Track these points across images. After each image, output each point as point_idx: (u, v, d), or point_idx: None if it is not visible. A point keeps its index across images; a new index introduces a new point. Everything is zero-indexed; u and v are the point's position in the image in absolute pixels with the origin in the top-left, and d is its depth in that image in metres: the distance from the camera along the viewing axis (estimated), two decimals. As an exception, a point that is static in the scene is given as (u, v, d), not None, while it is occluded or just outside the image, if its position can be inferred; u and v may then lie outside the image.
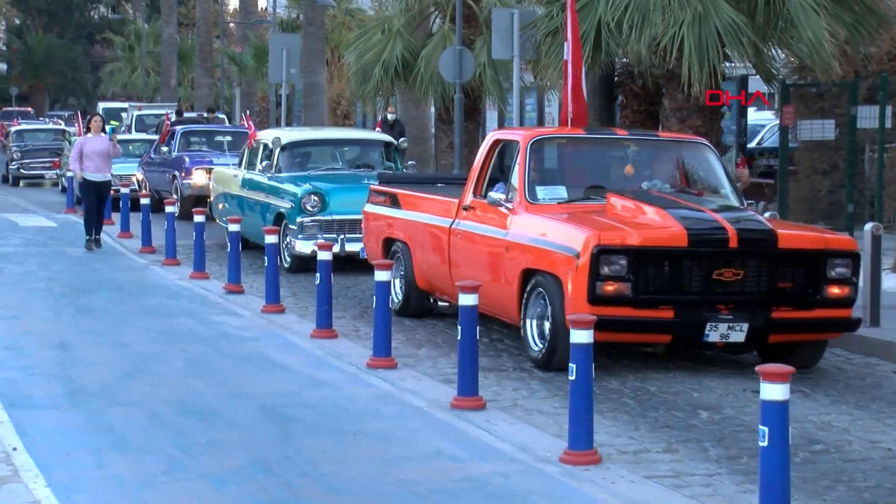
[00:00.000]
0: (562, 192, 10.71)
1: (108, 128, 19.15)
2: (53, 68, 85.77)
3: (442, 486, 6.91)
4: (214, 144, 24.75)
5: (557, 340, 9.64)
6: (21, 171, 34.99)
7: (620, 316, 9.44)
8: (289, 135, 17.69)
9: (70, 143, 31.64)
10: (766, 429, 5.89)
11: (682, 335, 9.58)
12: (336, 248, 14.70)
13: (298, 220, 15.35)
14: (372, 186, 13.42)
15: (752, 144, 23.64)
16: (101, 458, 7.34)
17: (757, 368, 6.05)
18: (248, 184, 17.19)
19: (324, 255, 11.23)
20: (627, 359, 10.58)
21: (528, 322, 10.09)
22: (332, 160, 17.29)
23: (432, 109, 26.46)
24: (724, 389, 9.47)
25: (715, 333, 9.51)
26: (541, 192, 10.59)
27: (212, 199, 18.93)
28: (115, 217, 20.92)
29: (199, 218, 15.21)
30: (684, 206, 10.06)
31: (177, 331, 11.59)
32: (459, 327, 8.66)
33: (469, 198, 11.30)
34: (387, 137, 18.42)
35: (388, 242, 12.75)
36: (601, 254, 9.37)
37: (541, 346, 9.93)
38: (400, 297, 12.49)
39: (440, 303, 12.33)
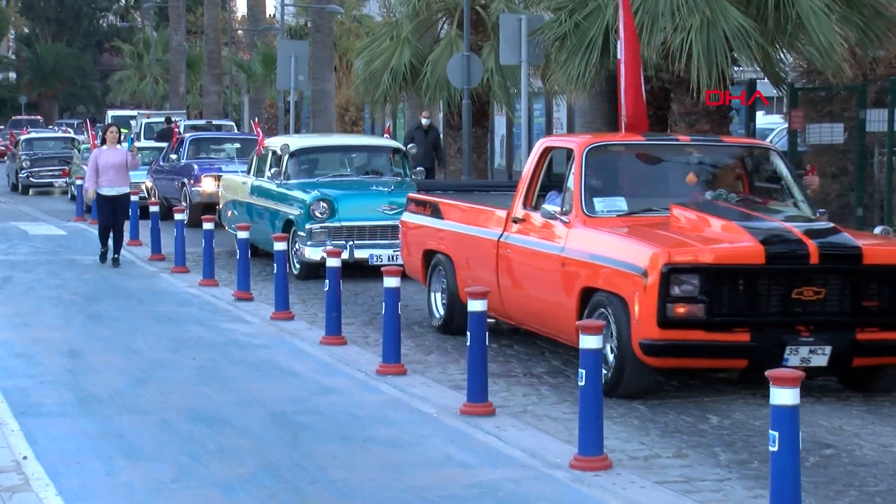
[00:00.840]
0: (621, 203, 9.94)
1: (127, 138, 18.61)
2: (62, 77, 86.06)
3: (452, 493, 6.91)
4: (222, 152, 24.80)
5: (625, 365, 9.00)
6: (30, 179, 35.08)
7: (693, 340, 8.72)
8: (297, 141, 17.69)
9: (79, 151, 31.75)
10: (776, 433, 5.88)
11: (760, 360, 8.70)
12: (345, 255, 14.69)
13: (307, 226, 15.35)
14: (410, 195, 12.85)
15: (761, 148, 23.57)
16: (112, 466, 7.35)
17: (767, 373, 6.04)
18: (256, 191, 17.18)
19: (332, 262, 11.22)
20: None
21: None
22: (341, 167, 17.29)
23: (440, 115, 26.48)
24: (735, 394, 9.45)
25: (795, 357, 8.78)
26: (599, 203, 9.85)
27: (221, 206, 18.90)
28: (125, 225, 20.90)
29: (208, 225, 15.23)
30: (756, 217, 9.36)
31: (186, 338, 11.60)
32: (469, 333, 8.65)
33: (519, 209, 10.60)
34: (395, 143, 18.37)
35: (429, 255, 12.11)
36: (672, 273, 8.63)
37: (604, 371, 8.94)
38: (442, 314, 11.86)
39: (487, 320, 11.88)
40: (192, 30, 58.64)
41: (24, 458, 7.48)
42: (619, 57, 12.70)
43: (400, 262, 15.20)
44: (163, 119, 34.79)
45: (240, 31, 56.40)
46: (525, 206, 10.58)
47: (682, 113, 17.40)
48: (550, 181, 10.90)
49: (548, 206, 10.10)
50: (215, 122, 34.28)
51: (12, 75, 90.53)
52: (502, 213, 10.85)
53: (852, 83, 17.70)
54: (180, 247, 16.51)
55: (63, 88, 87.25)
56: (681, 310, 8.69)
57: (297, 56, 28.17)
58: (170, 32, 53.27)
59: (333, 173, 16.88)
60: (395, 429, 8.26)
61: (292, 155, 16.71)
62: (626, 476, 7.23)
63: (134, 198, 20.71)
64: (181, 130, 28.37)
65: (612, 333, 9.07)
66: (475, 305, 8.50)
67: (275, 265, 12.82)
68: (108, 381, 9.65)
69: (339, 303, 11.33)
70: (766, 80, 17.82)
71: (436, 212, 12.07)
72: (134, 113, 43.96)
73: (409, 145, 19.45)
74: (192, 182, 22.84)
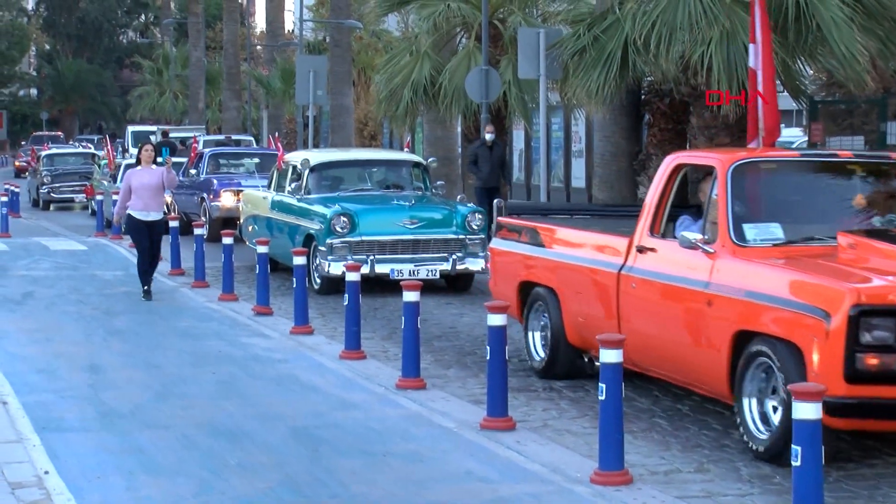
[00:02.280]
0: (776, 230, 8.42)
1: (162, 150, 17.19)
2: (83, 92, 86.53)
3: (472, 508, 6.89)
4: (241, 167, 24.86)
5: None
6: (51, 194, 35.25)
7: (889, 398, 7.36)
8: (317, 156, 17.64)
9: (100, 167, 31.88)
10: (798, 448, 5.85)
11: None
12: (365, 270, 14.68)
13: (328, 241, 15.28)
14: (500, 219, 11.33)
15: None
16: (133, 481, 7.36)
17: (789, 387, 6.00)
18: (277, 205, 17.16)
19: (352, 277, 11.23)
20: (658, 379, 10.52)
21: (745, 402, 7.95)
22: (361, 181, 17.18)
23: (459, 129, 26.50)
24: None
25: None
26: (750, 231, 8.36)
27: (241, 221, 18.87)
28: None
29: (227, 240, 15.26)
30: None
31: (206, 353, 11.61)
32: (488, 347, 8.64)
33: (645, 236, 9.13)
34: (416, 157, 18.20)
35: (526, 287, 10.67)
36: (862, 316, 7.25)
37: (765, 432, 7.86)
38: (543, 355, 10.48)
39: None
40: (211, 45, 58.90)
41: (46, 472, 7.49)
42: (750, 65, 11.23)
43: (421, 276, 15.03)
44: (226, 136, 34.78)
45: (259, 47, 56.64)
46: (653, 232, 9.11)
47: (701, 126, 17.37)
48: (684, 204, 9.48)
49: (688, 234, 8.57)
50: (234, 137, 34.40)
51: (33, 91, 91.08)
52: (622, 241, 9.37)
53: (873, 96, 17.65)
54: (200, 261, 16.54)
55: (83, 104, 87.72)
56: (873, 361, 7.31)
57: (315, 71, 28.22)
58: (189, 48, 53.49)
59: (354, 188, 16.82)
60: (415, 443, 8.25)
61: (313, 170, 16.69)
62: (647, 491, 7.19)
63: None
64: (200, 146, 28.47)
65: (773, 388, 7.80)
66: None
67: (294, 280, 12.83)
68: (129, 396, 9.67)
69: (359, 317, 11.33)
70: (785, 92, 17.78)
71: (535, 238, 10.59)
72: (153, 128, 44.15)
73: (431, 159, 19.20)
74: (211, 197, 22.90)
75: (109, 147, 30.90)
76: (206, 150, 26.02)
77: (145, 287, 15.21)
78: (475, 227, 15.70)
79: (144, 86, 67.23)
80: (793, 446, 5.88)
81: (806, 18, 15.66)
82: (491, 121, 21.84)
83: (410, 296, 9.94)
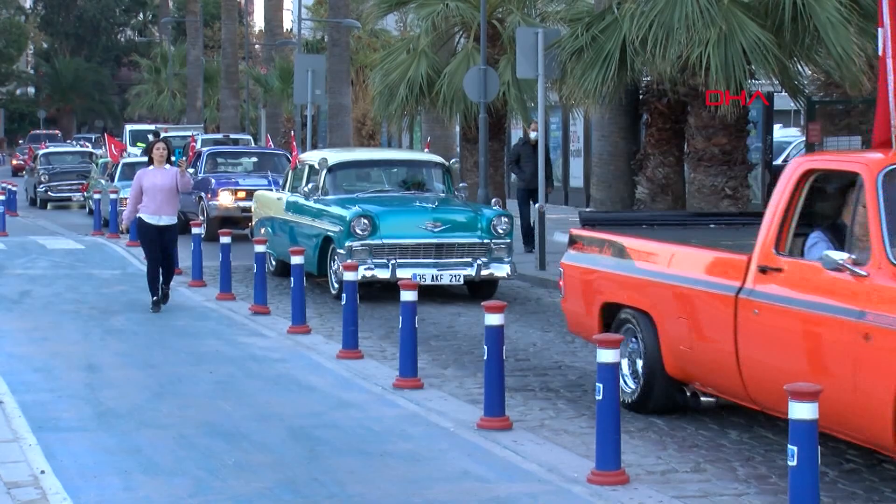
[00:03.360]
0: None
1: (174, 152, 15.55)
2: (81, 91, 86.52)
3: (469, 507, 6.90)
4: (239, 166, 24.88)
5: None
6: (49, 193, 35.25)
7: None
8: (336, 156, 16.95)
9: (97, 165, 31.88)
10: (795, 448, 5.85)
11: None
12: (386, 274, 14.42)
13: (347, 244, 14.60)
14: (574, 231, 10.03)
15: (779, 162, 23.58)
16: (130, 481, 7.36)
17: (785, 387, 6.01)
18: (292, 207, 16.49)
19: (349, 276, 11.19)
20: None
21: None
22: (381, 182, 16.57)
23: (457, 129, 26.50)
24: (754, 409, 9.41)
25: None
26: None
27: (253, 223, 18.21)
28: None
29: (225, 239, 15.26)
30: None
31: (204, 352, 11.62)
32: (486, 347, 8.65)
33: (770, 253, 7.86)
34: (438, 158, 17.34)
35: (610, 309, 9.38)
36: None
37: None
38: (635, 387, 9.16)
39: (703, 398, 8.85)
40: (209, 44, 58.91)
41: (42, 472, 7.49)
42: (880, 53, 10.26)
43: (444, 282, 14.66)
44: (224, 135, 34.72)
45: (257, 46, 56.64)
46: (778, 249, 7.84)
47: (699, 126, 17.39)
48: (816, 216, 8.06)
49: (832, 254, 7.21)
50: (232, 136, 34.40)
51: (31, 90, 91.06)
52: (738, 259, 8.11)
53: (870, 96, 17.67)
54: (197, 261, 16.54)
55: (81, 103, 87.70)
56: None
57: (314, 70, 28.20)
58: (187, 47, 53.51)
59: (374, 189, 16.22)
60: (412, 443, 8.26)
61: (331, 169, 16.06)
62: (643, 491, 7.20)
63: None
64: (198, 144, 28.47)
65: None
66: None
67: (292, 279, 12.83)
68: (127, 396, 9.67)
69: (356, 317, 11.33)
70: (783, 92, 17.80)
71: (622, 253, 9.31)
72: (152, 127, 44.17)
73: (453, 160, 18.11)
74: (209, 196, 22.90)
75: (109, 145, 30.88)
76: (204, 149, 26.01)
77: (154, 297, 14.09)
78: (501, 231, 14.95)
79: (142, 84, 67.28)
80: (789, 446, 5.88)
81: (803, 19, 15.69)
82: (488, 121, 21.80)
83: (408, 296, 9.95)
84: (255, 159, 25.25)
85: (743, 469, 7.77)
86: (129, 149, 35.78)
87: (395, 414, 9.12)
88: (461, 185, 16.90)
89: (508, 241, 15.01)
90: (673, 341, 8.68)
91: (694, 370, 8.62)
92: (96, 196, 26.80)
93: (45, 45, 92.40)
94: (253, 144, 34.08)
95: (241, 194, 22.41)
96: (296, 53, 36.76)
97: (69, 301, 15.04)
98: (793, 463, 5.87)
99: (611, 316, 9.38)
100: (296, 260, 12.68)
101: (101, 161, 32.03)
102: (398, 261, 14.58)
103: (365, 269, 14.33)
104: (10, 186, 31.36)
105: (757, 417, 9.15)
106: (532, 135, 20.01)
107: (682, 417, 9.13)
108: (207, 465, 7.67)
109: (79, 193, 34.08)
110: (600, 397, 7.27)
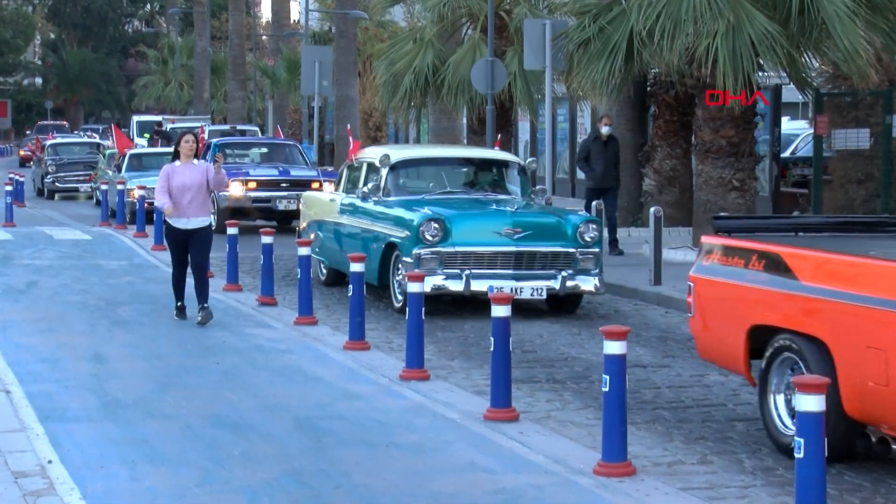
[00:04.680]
0: None
1: (212, 148, 13.45)
2: (88, 82, 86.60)
3: (475, 499, 6.90)
4: (247, 157, 24.81)
5: None
6: (56, 184, 35.30)
7: None
8: (399, 152, 15.18)
9: (104, 156, 31.91)
10: (801, 440, 5.84)
11: None
12: (458, 286, 12.86)
13: (415, 251, 12.92)
14: (706, 239, 8.67)
15: (786, 154, 23.54)
16: (136, 471, 7.37)
17: (791, 379, 6.00)
18: (348, 209, 14.72)
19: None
20: (663, 371, 10.54)
21: None
22: (450, 182, 14.74)
23: (464, 120, 26.47)
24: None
25: None
26: None
27: (301, 227, 16.40)
28: (149, 230, 21.05)
29: (232, 230, 15.25)
30: None
31: (210, 343, 11.62)
32: (492, 338, 8.64)
33: None
34: (513, 157, 15.72)
35: (761, 333, 7.92)
36: None
37: None
38: (794, 428, 6.85)
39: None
40: (216, 35, 58.88)
41: (49, 462, 7.51)
42: None
43: (525, 296, 12.88)
44: (231, 126, 34.65)
45: (264, 37, 56.61)
46: None
47: (706, 118, 17.37)
48: None
49: None
50: (240, 127, 34.41)
51: (38, 81, 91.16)
52: None
53: (878, 88, 17.62)
54: (204, 252, 16.49)
55: (88, 94, 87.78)
56: None
57: (321, 61, 28.22)
58: (194, 38, 53.49)
59: (441, 189, 14.41)
60: (418, 434, 8.26)
61: (393, 167, 14.32)
62: (650, 482, 7.20)
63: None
64: (206, 136, 28.48)
65: None
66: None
67: (298, 270, 12.81)
68: (133, 386, 9.68)
69: (363, 308, 11.33)
70: (791, 84, 17.76)
71: (779, 266, 7.80)
72: (159, 118, 44.17)
73: (531, 159, 16.26)
74: None
75: (117, 136, 30.91)
76: (214, 139, 26.00)
77: (179, 303, 12.83)
78: (588, 240, 13.16)
79: (149, 75, 67.34)
80: (795, 438, 5.87)
81: (811, 11, 15.66)
82: (495, 112, 21.76)
83: (414, 286, 9.94)
84: (265, 150, 25.14)
85: (749, 461, 7.76)
86: (137, 139, 35.82)
87: (402, 405, 9.12)
88: (538, 187, 14.84)
89: (596, 250, 13.25)
90: (858, 376, 7.19)
91: (888, 412, 7.09)
92: (103, 187, 26.82)
93: (52, 36, 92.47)
94: (260, 135, 34.09)
95: (252, 185, 22.27)
96: (303, 45, 36.74)
97: (76, 292, 15.06)
98: (799, 455, 5.86)
99: (761, 341, 7.91)
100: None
101: (108, 152, 32.05)
102: (472, 271, 12.93)
103: (435, 280, 12.82)
104: (17, 177, 31.37)
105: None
106: (604, 129, 18.30)
107: (688, 409, 9.12)
108: (213, 455, 7.68)
109: (86, 184, 34.11)
110: (607, 389, 7.26)
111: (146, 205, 21.87)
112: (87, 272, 16.95)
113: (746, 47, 15.64)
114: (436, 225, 12.97)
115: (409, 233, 13.10)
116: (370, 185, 14.32)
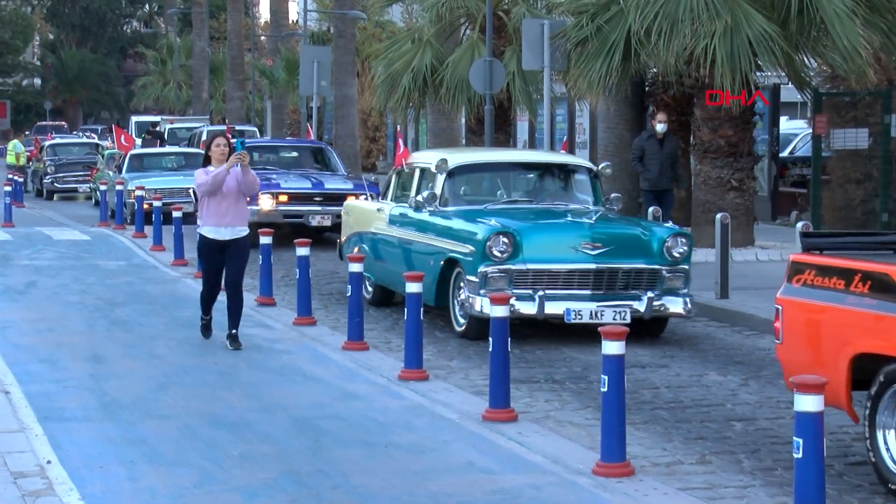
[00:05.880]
0: None
1: (236, 141, 11.28)
2: (86, 82, 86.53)
3: (474, 499, 6.90)
4: (280, 162, 21.96)
5: None
6: (55, 184, 35.30)
7: None
8: (457, 157, 13.44)
9: (103, 156, 31.89)
10: (800, 440, 5.84)
11: None
12: (531, 309, 11.42)
13: (481, 269, 11.47)
14: (795, 257, 7.76)
15: (785, 154, 23.55)
16: (134, 471, 7.37)
17: (791, 379, 6.00)
18: (398, 221, 13.28)
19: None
20: (661, 371, 10.54)
21: None
22: (514, 189, 13.43)
23: (463, 121, 26.47)
24: (759, 401, 9.41)
25: None
26: None
27: (343, 239, 14.88)
28: (148, 230, 21.03)
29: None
30: None
31: (209, 343, 11.62)
32: (491, 339, 8.64)
33: None
34: (585, 162, 14.45)
35: (866, 363, 7.17)
36: None
37: None
38: None
39: None
40: (215, 35, 58.85)
41: (48, 462, 7.51)
42: None
43: (606, 320, 11.28)
44: (185, 125, 34.60)
45: (263, 37, 56.59)
46: None
47: (704, 118, 17.38)
48: None
49: None
50: (238, 127, 34.38)
51: (37, 81, 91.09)
52: None
53: (877, 88, 17.63)
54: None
55: (87, 94, 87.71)
56: None
57: (319, 62, 28.19)
58: (193, 38, 53.50)
59: (507, 199, 12.97)
60: (416, 434, 8.26)
61: (451, 174, 12.85)
62: (648, 482, 7.20)
63: (157, 203, 20.55)
64: (204, 136, 28.42)
65: None
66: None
67: (297, 270, 12.80)
68: (131, 387, 9.68)
69: (362, 308, 11.33)
70: (790, 84, 17.77)
71: (886, 287, 6.98)
72: (158, 119, 44.16)
73: (604, 164, 13.77)
74: (248, 199, 20.99)
75: (118, 136, 30.89)
76: (235, 139, 25.38)
77: (205, 318, 11.67)
78: (677, 255, 11.72)
79: (148, 76, 67.27)
80: (794, 438, 5.88)
81: (809, 11, 15.67)
82: (493, 112, 21.74)
83: (413, 287, 9.94)
84: (294, 154, 22.30)
85: (748, 461, 7.76)
86: (136, 140, 35.81)
87: (400, 405, 9.12)
88: (613, 195, 13.07)
89: (686, 267, 11.79)
90: None
91: None
92: (102, 187, 26.78)
93: (51, 37, 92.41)
94: (258, 136, 34.02)
95: (283, 198, 19.59)
96: (301, 45, 36.74)
97: (75, 292, 15.05)
98: (798, 455, 5.86)
99: (867, 371, 7.17)
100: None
101: (106, 152, 32.03)
102: (546, 292, 11.49)
103: (514, 300, 11.25)
104: (16, 177, 31.37)
105: (762, 410, 9.14)
106: (658, 126, 16.94)
107: (687, 409, 9.12)
108: (212, 455, 7.68)
109: (85, 185, 34.10)
110: (605, 389, 7.27)
111: (145, 206, 21.83)
112: (85, 272, 16.95)
113: (744, 48, 15.65)
114: (505, 239, 11.53)
115: (473, 248, 11.68)
116: (425, 194, 12.75)
